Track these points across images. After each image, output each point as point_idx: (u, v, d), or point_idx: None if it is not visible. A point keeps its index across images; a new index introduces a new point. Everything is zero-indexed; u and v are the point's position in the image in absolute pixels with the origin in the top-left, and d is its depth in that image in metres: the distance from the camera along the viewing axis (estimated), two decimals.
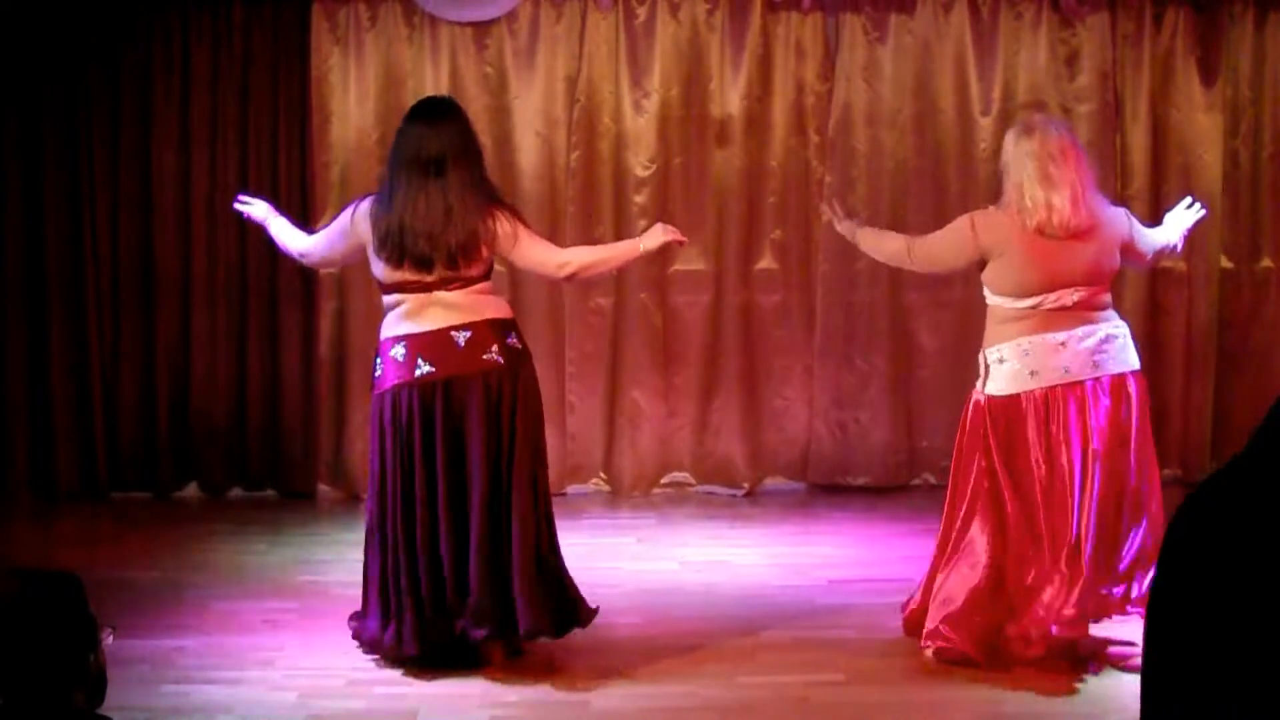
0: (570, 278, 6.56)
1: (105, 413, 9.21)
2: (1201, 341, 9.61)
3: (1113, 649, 6.38)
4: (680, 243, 6.65)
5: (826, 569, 7.82)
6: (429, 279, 6.25)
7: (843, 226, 6.85)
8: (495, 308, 6.38)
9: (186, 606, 7.19)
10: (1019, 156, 6.29)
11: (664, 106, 9.34)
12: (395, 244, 6.22)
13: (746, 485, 9.50)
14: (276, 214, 6.88)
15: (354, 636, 6.49)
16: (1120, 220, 6.46)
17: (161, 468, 9.26)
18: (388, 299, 6.38)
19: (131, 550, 8.19)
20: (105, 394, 9.21)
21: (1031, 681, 6.14)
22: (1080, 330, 6.27)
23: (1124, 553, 6.30)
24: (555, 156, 9.33)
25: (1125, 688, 6.09)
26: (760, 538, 8.52)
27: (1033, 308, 6.28)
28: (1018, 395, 6.28)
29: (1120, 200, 9.35)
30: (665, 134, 9.35)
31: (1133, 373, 6.36)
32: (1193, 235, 9.55)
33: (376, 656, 6.39)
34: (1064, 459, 6.22)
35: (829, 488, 9.47)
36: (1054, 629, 6.21)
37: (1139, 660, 2.99)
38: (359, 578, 6.49)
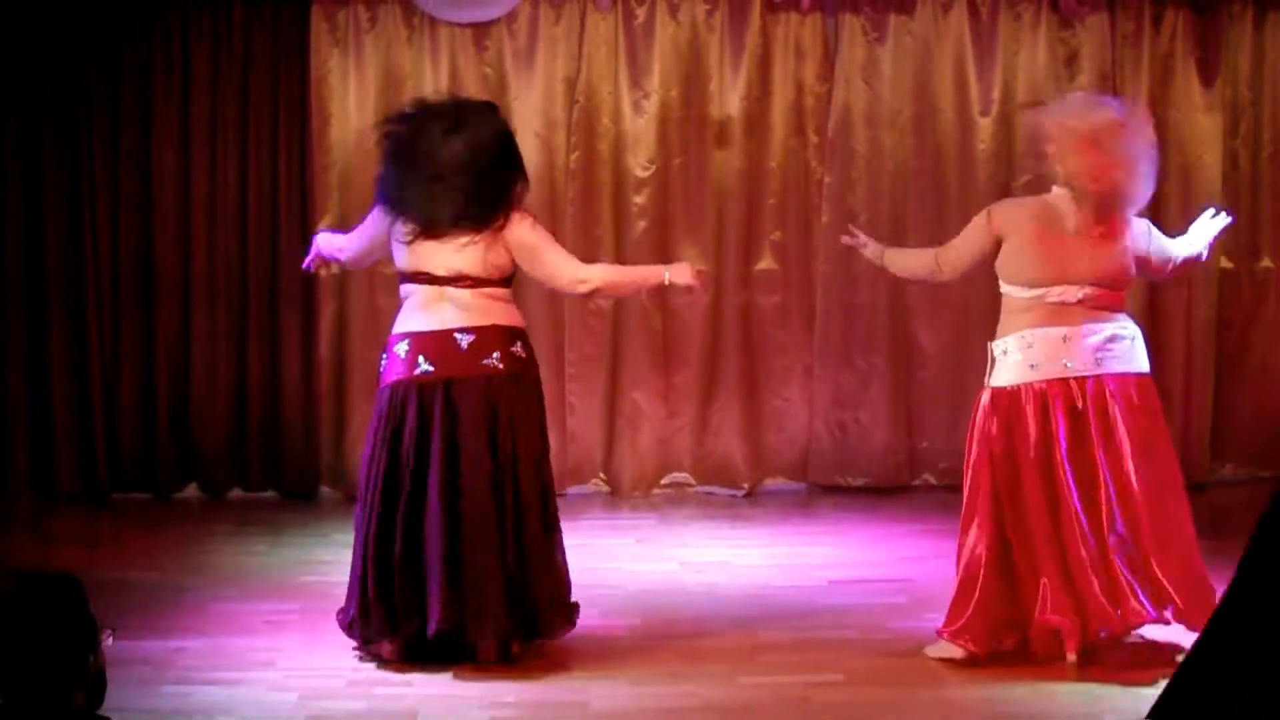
0: (589, 296, 6.57)
1: (105, 413, 9.21)
2: (1201, 342, 9.61)
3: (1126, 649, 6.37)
4: (695, 288, 6.67)
5: (827, 569, 7.82)
6: (439, 273, 6.26)
7: (869, 252, 6.82)
8: (505, 314, 6.37)
9: (186, 608, 7.19)
10: (1086, 109, 6.38)
11: (663, 107, 9.34)
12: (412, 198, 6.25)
13: (746, 486, 9.50)
14: (326, 236, 6.96)
15: (341, 628, 6.47)
16: (1141, 233, 6.41)
17: (161, 469, 9.26)
18: (403, 289, 6.42)
19: (131, 551, 8.19)
20: (105, 394, 9.21)
21: (1030, 681, 6.14)
22: (1084, 327, 6.26)
23: (1146, 567, 6.25)
24: (555, 157, 9.34)
25: (1123, 688, 6.10)
26: (760, 538, 8.52)
27: (1037, 298, 6.27)
28: (1019, 388, 6.28)
29: None
30: (665, 135, 9.35)
31: (1138, 376, 6.34)
32: None
33: (360, 650, 6.39)
34: (1057, 455, 6.21)
35: (829, 488, 9.47)
36: (1057, 628, 6.21)
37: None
38: None
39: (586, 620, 6.60)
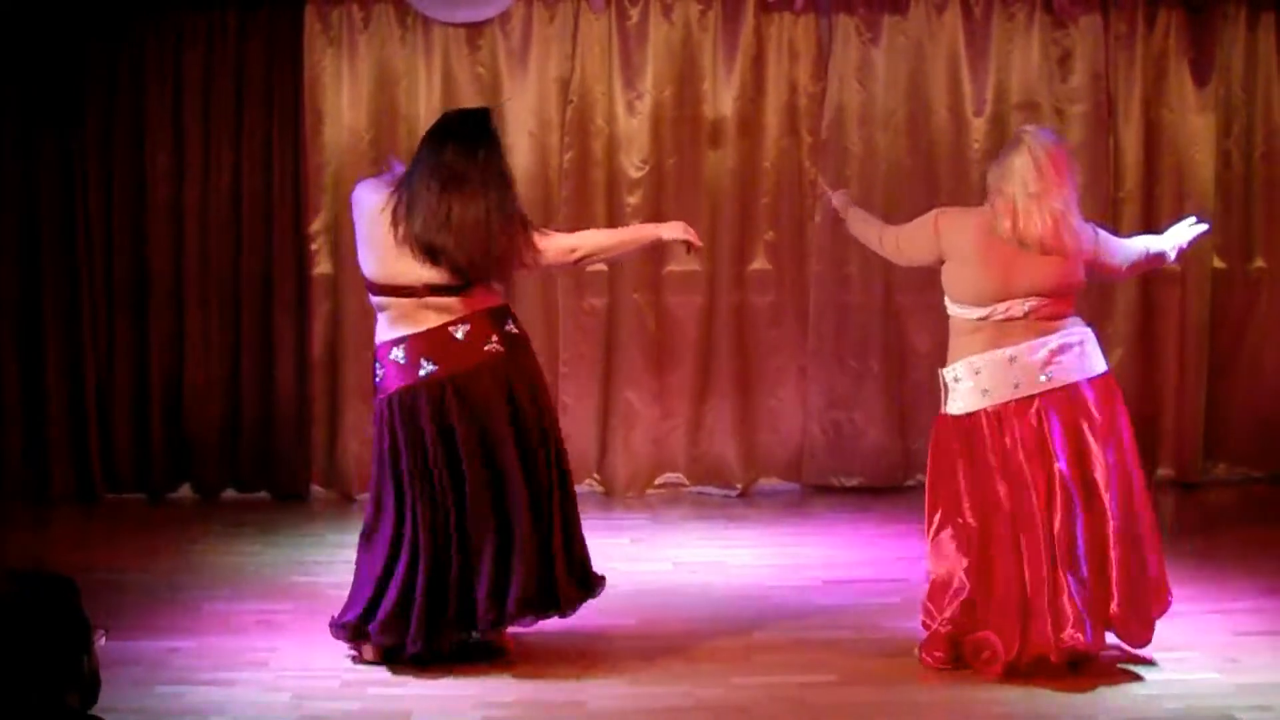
0: (579, 262, 6.53)
1: (99, 414, 9.21)
2: (1194, 341, 9.62)
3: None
4: (695, 248, 6.59)
5: (821, 569, 7.83)
6: (421, 285, 6.21)
7: (837, 199, 6.87)
8: (486, 298, 6.33)
9: (180, 608, 7.18)
10: (1010, 167, 6.25)
11: (657, 107, 9.34)
12: (419, 240, 6.16)
13: (740, 486, 9.51)
14: None
15: (339, 636, 6.45)
16: (1086, 237, 6.29)
17: (155, 469, 9.26)
18: (376, 300, 6.35)
19: (125, 552, 8.18)
20: (99, 395, 9.20)
21: (1024, 682, 6.14)
22: (1030, 343, 6.20)
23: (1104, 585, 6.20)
24: (548, 157, 9.34)
25: (1118, 690, 6.11)
26: (754, 538, 8.53)
27: (984, 318, 6.24)
28: (977, 413, 6.27)
29: (1113, 201, 9.40)
30: (658, 135, 9.36)
31: (1090, 380, 6.26)
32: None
33: (356, 651, 6.39)
34: (1026, 477, 6.19)
35: (823, 488, 9.48)
36: (991, 645, 6.24)
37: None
38: (351, 579, 6.48)
39: (582, 620, 6.60)
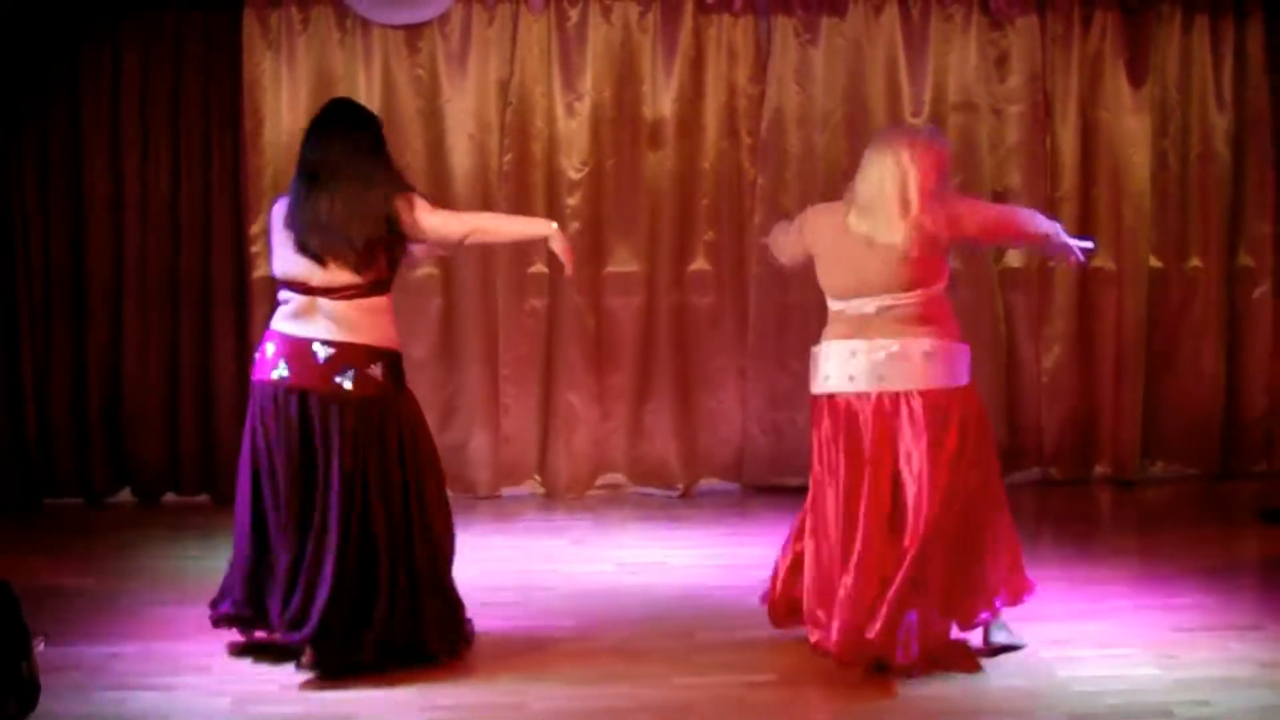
0: (464, 241, 6.37)
1: (37, 418, 9.16)
2: (1131, 340, 9.69)
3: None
4: (568, 269, 6.46)
5: (762, 569, 7.80)
6: (313, 283, 6.22)
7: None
8: (372, 332, 6.25)
9: (120, 613, 7.15)
10: (865, 164, 6.31)
11: (596, 109, 9.35)
12: (295, 240, 6.22)
13: (681, 486, 9.53)
14: None
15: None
16: (935, 221, 6.19)
17: (94, 474, 9.21)
18: (279, 294, 6.40)
19: (64, 557, 8.14)
20: (37, 399, 9.16)
21: (965, 679, 6.18)
22: (875, 342, 6.23)
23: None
24: (488, 159, 9.33)
25: (1058, 686, 6.15)
26: (696, 539, 8.55)
27: (840, 311, 6.34)
28: (820, 397, 6.39)
29: (1050, 202, 9.45)
30: (598, 136, 9.37)
31: (925, 392, 6.19)
32: (1122, 235, 9.70)
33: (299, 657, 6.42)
34: (843, 469, 6.28)
35: (764, 489, 9.50)
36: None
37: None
38: None
39: (525, 621, 6.60)
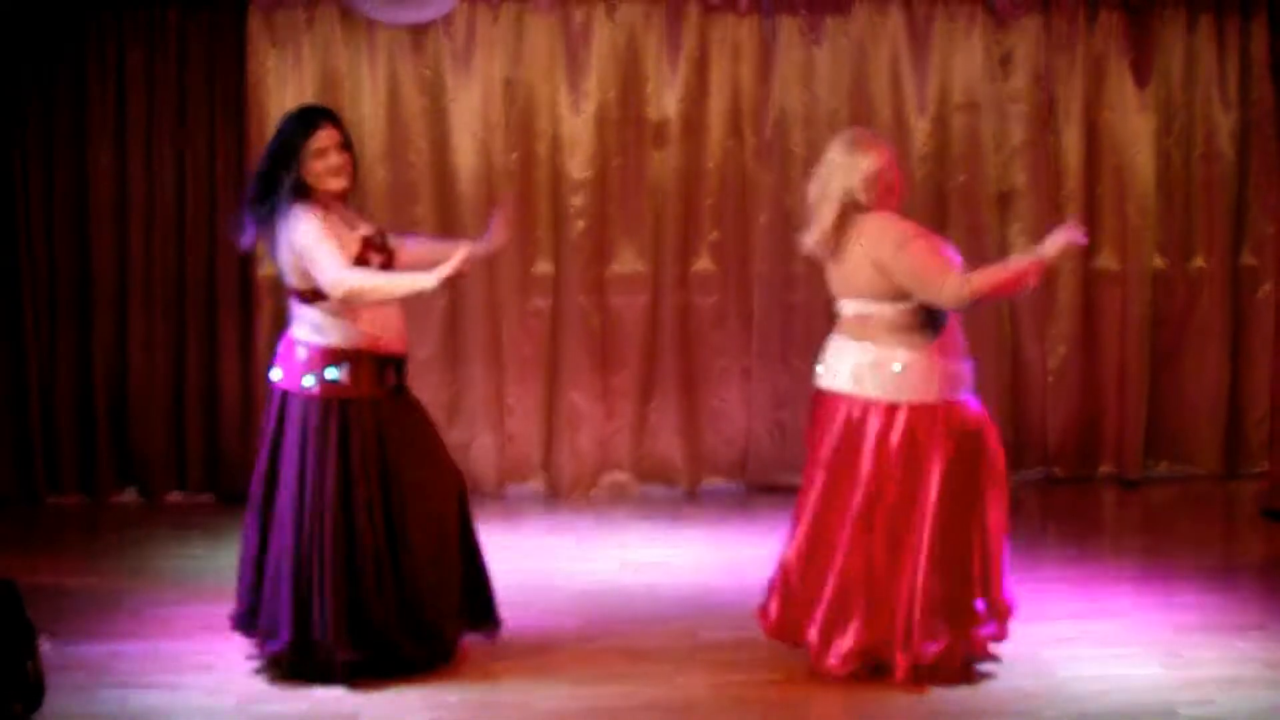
0: (345, 297, 6.02)
1: (42, 417, 9.16)
2: (1135, 340, 9.68)
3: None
4: (463, 272, 6.06)
5: (766, 568, 7.80)
6: (287, 286, 6.24)
7: None
8: (334, 332, 6.16)
9: (124, 612, 7.16)
10: (836, 169, 6.21)
11: (601, 109, 9.35)
12: None
13: (685, 485, 9.53)
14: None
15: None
16: (881, 243, 6.08)
17: (99, 472, 9.22)
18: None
19: (68, 556, 8.15)
20: (42, 397, 9.16)
21: (972, 679, 6.18)
22: (846, 344, 6.24)
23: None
24: (492, 159, 9.33)
25: (1060, 686, 6.15)
26: (700, 538, 8.55)
27: (838, 310, 6.34)
28: (817, 390, 6.41)
29: (1055, 202, 9.46)
30: (602, 136, 9.37)
31: (890, 406, 6.11)
32: (1126, 235, 9.69)
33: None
34: (812, 459, 6.34)
35: (768, 488, 9.50)
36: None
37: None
38: None
39: (529, 620, 6.60)
